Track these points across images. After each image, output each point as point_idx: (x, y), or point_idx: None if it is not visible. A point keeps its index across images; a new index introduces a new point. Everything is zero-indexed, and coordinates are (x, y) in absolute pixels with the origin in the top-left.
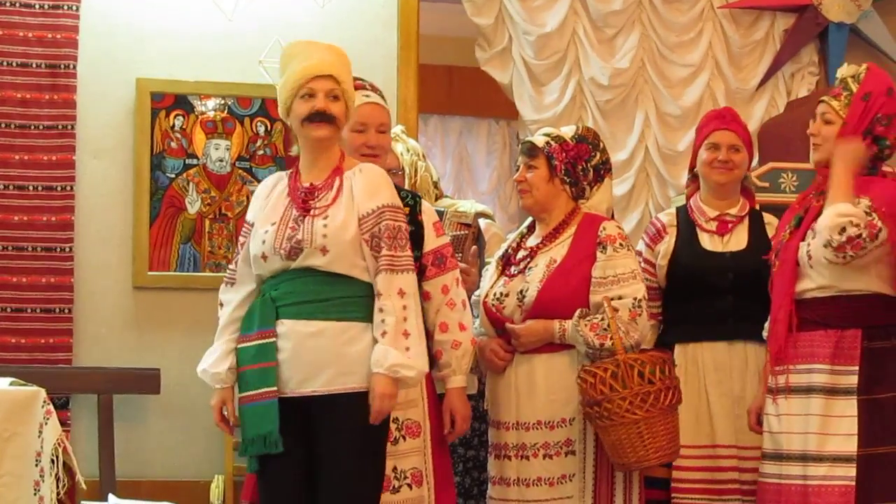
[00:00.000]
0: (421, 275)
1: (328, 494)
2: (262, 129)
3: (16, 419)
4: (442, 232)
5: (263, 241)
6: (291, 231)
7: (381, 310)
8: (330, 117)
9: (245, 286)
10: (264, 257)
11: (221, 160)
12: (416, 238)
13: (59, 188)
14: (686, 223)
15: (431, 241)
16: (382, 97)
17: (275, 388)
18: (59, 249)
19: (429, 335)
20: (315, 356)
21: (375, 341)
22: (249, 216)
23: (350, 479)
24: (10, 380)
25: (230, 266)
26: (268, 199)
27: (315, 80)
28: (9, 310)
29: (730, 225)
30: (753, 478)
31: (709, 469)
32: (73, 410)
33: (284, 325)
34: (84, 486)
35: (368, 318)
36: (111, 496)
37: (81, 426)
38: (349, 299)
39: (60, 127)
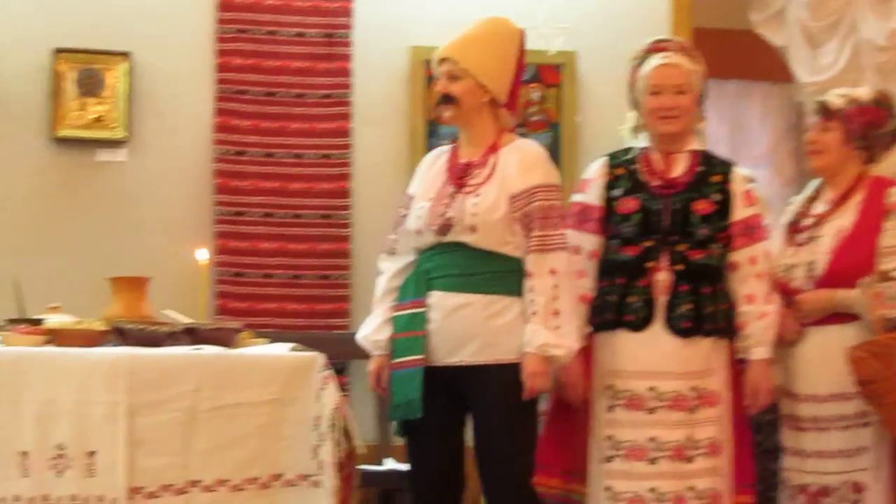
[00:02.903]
0: (729, 244)
1: (483, 460)
2: (536, 96)
3: (296, 384)
4: (752, 202)
5: (419, 217)
6: (444, 208)
7: (531, 290)
8: (450, 98)
9: (403, 256)
10: (419, 232)
11: None
12: (725, 208)
13: (335, 156)
14: None
15: (739, 212)
16: (691, 57)
17: (422, 357)
18: (335, 217)
19: (733, 305)
20: (462, 327)
21: (527, 320)
22: (411, 189)
23: (502, 445)
24: (291, 345)
25: (391, 235)
26: (428, 173)
27: (438, 65)
28: (289, 276)
29: None
30: None
31: None
32: (350, 376)
33: (434, 297)
34: (362, 449)
35: (515, 292)
36: (387, 460)
37: (359, 391)
38: (497, 274)
39: (336, 96)
